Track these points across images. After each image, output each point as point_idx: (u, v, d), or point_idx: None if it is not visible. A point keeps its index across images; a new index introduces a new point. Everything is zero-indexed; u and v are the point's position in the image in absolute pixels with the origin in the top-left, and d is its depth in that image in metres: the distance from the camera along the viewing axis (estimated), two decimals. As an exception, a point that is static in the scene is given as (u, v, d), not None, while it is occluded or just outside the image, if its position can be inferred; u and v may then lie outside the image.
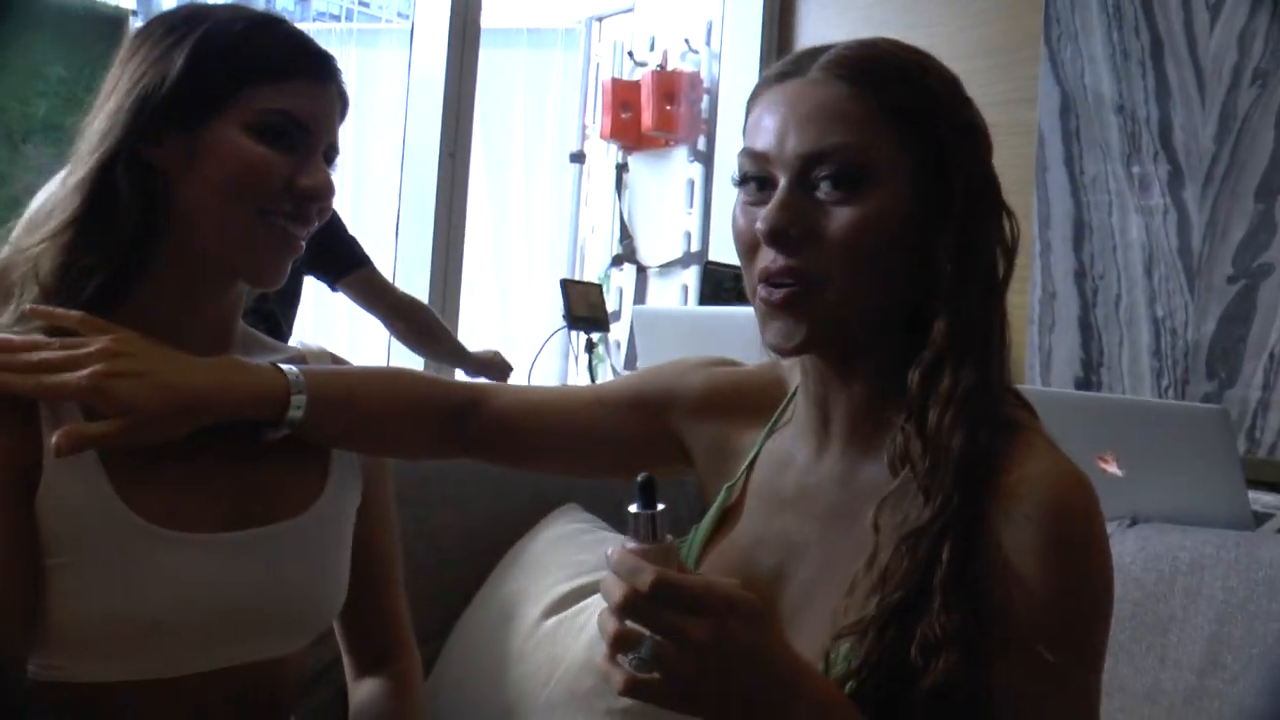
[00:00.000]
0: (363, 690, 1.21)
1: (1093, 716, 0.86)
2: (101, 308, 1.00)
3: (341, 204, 3.18)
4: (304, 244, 1.04)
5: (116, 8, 2.97)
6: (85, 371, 0.91)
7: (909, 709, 0.82)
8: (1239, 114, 2.57)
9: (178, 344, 1.01)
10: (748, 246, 0.91)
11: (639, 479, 0.77)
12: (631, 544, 0.76)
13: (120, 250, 1.00)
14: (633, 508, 0.77)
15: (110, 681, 0.98)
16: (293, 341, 1.22)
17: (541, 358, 3.14)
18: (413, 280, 2.96)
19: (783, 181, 0.88)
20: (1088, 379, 2.78)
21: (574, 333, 2.98)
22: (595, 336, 3.03)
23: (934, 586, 0.82)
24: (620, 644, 0.74)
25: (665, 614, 0.73)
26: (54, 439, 0.89)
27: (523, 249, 4.06)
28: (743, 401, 1.07)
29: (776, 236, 0.87)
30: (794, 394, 1.03)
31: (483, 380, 2.34)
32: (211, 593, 1.00)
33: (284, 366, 1.02)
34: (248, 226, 1.00)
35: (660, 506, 0.77)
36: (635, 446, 1.10)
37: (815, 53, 0.91)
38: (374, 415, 1.09)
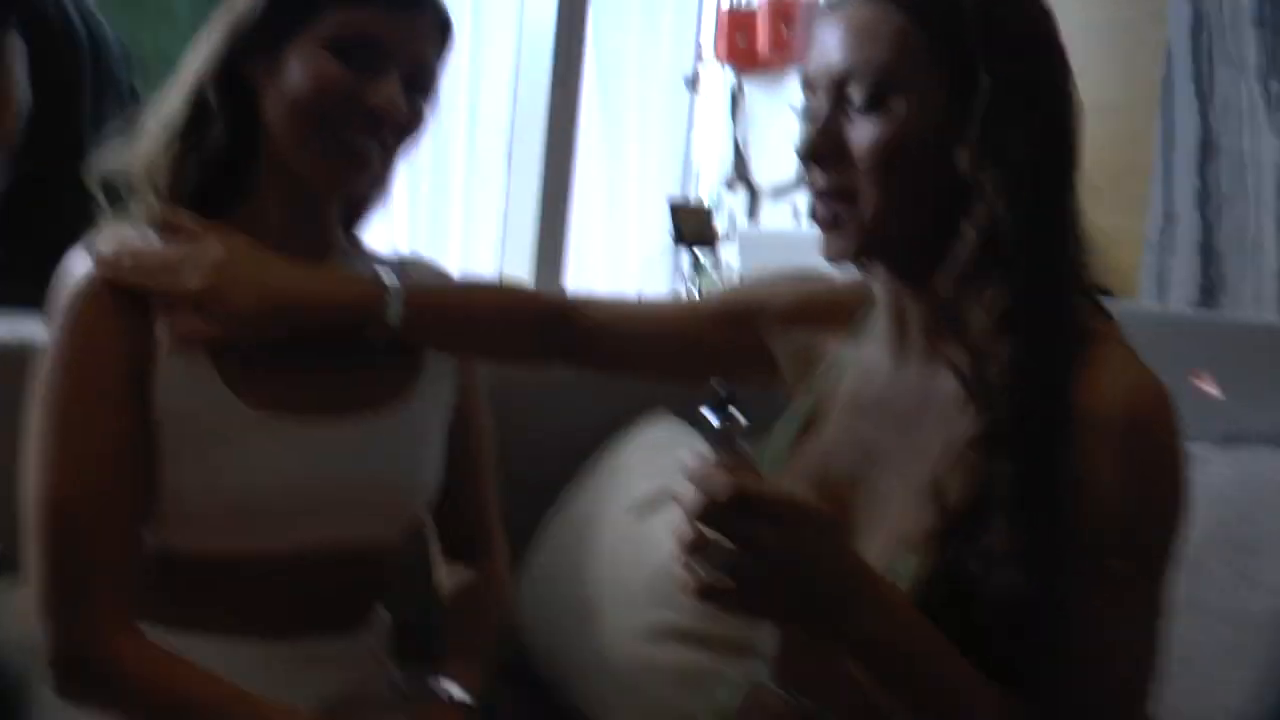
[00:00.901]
0: (454, 577, 1.28)
1: (1158, 629, 0.86)
2: (214, 213, 1.08)
3: (455, 129, 3.23)
4: (380, 163, 1.09)
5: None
6: (199, 275, 0.98)
7: (974, 621, 0.84)
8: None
9: (283, 249, 1.08)
10: (804, 167, 0.93)
11: (719, 391, 0.81)
12: (710, 455, 0.80)
13: (218, 159, 1.08)
14: (712, 419, 0.81)
15: (216, 553, 1.07)
16: (396, 253, 1.27)
17: (651, 279, 3.17)
18: (521, 204, 2.99)
19: (819, 102, 0.91)
20: (1206, 306, 2.69)
21: (683, 253, 3.00)
22: (703, 257, 3.04)
23: (995, 500, 0.83)
24: (695, 550, 0.78)
25: (740, 522, 0.76)
26: (169, 331, 0.97)
27: (636, 171, 4.07)
28: (830, 311, 1.09)
29: (811, 156, 0.91)
30: (873, 307, 1.04)
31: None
32: (310, 475, 1.08)
33: (384, 277, 1.08)
34: (315, 139, 1.06)
35: (740, 419, 0.81)
36: (726, 356, 1.13)
37: None
38: (470, 325, 1.15)
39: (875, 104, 0.88)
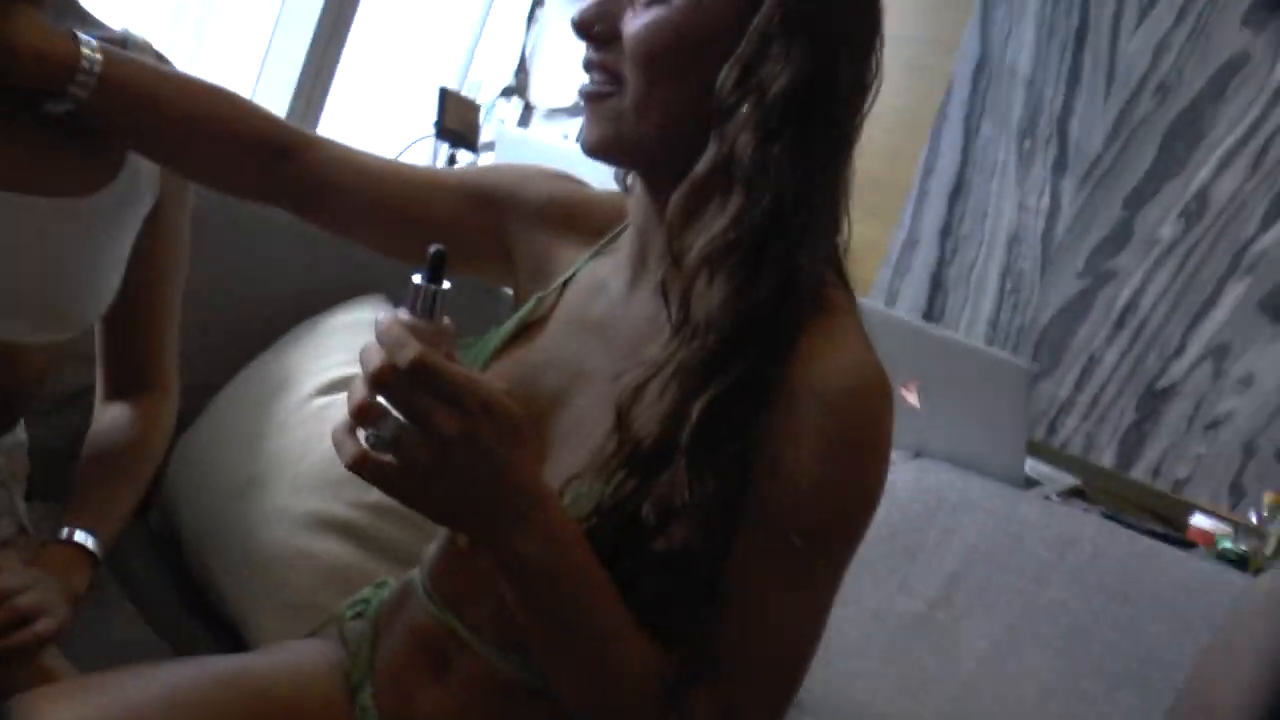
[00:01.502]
0: (106, 414, 1.14)
1: (822, 615, 0.85)
2: None
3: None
4: None
5: None
6: None
7: (639, 561, 0.80)
8: (1133, 121, 2.61)
9: None
10: (578, 36, 0.88)
11: (432, 249, 0.71)
12: (405, 316, 0.71)
13: None
14: (416, 278, 0.71)
15: None
16: (117, 27, 1.11)
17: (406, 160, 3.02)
18: (286, 54, 2.78)
19: None
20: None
21: (441, 145, 2.87)
22: (460, 156, 2.92)
23: (679, 445, 0.79)
24: (362, 416, 0.70)
25: (417, 396, 0.68)
26: None
27: (414, 54, 3.88)
28: (579, 220, 1.02)
29: (583, 29, 0.86)
30: (620, 230, 0.99)
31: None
32: None
33: (82, 36, 0.93)
34: None
35: (446, 284, 0.72)
36: (462, 237, 1.04)
37: None
38: (177, 122, 1.00)
39: None
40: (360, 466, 0.70)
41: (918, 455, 1.44)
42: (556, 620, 0.79)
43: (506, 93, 3.80)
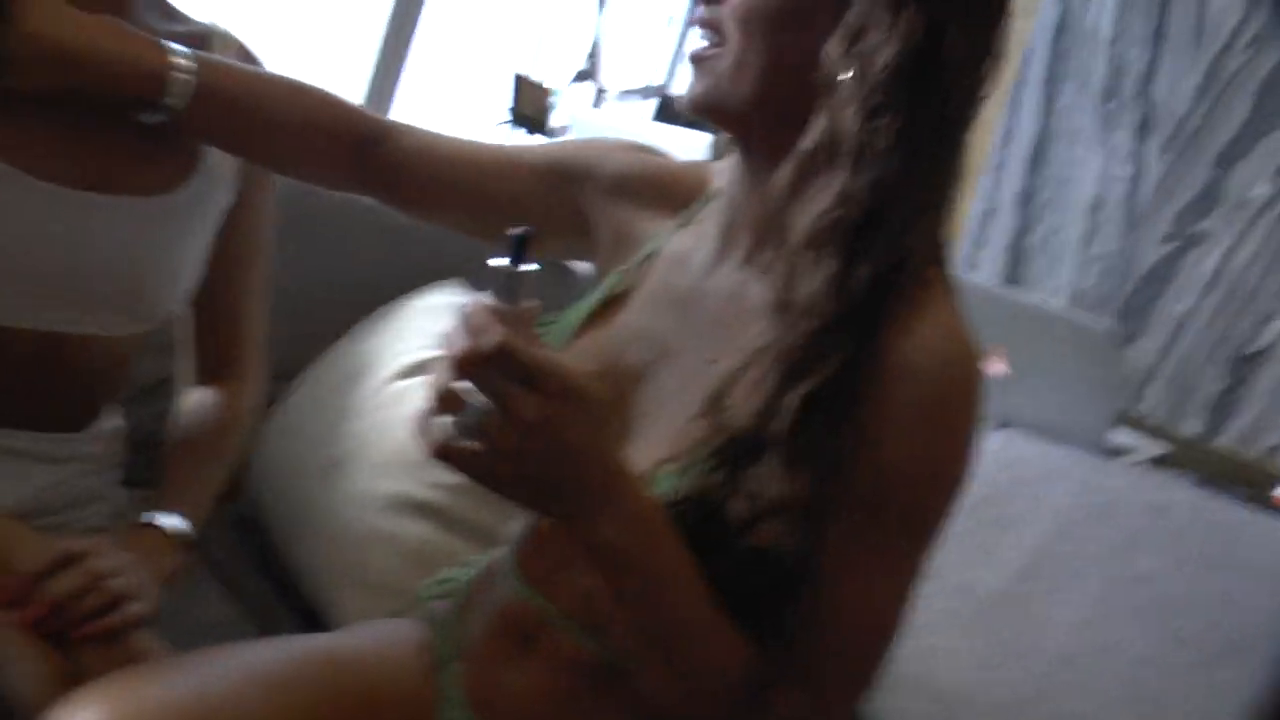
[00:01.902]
0: (193, 399, 1.17)
1: (908, 598, 0.84)
2: None
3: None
4: None
5: None
6: None
7: (725, 551, 0.79)
8: (1224, 77, 2.53)
9: None
10: None
11: (516, 231, 0.71)
12: (489, 300, 0.71)
13: None
14: (498, 261, 0.71)
15: None
16: (207, 23, 1.14)
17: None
18: (359, 45, 2.81)
19: None
20: (1003, 300, 2.78)
21: (516, 131, 2.89)
22: (534, 140, 2.94)
23: (774, 434, 0.78)
24: (446, 402, 0.70)
25: (500, 381, 0.68)
26: None
27: (485, 38, 3.91)
28: (659, 191, 1.01)
29: None
30: (711, 197, 0.98)
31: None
32: (50, 245, 0.96)
33: (173, 45, 0.94)
34: None
35: (531, 266, 0.71)
36: (542, 213, 1.03)
37: None
38: (267, 123, 1.01)
39: None
40: (443, 454, 0.71)
41: (1004, 425, 1.42)
42: (640, 604, 0.78)
43: (579, 77, 3.81)
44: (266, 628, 1.27)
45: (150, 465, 1.15)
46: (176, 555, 1.04)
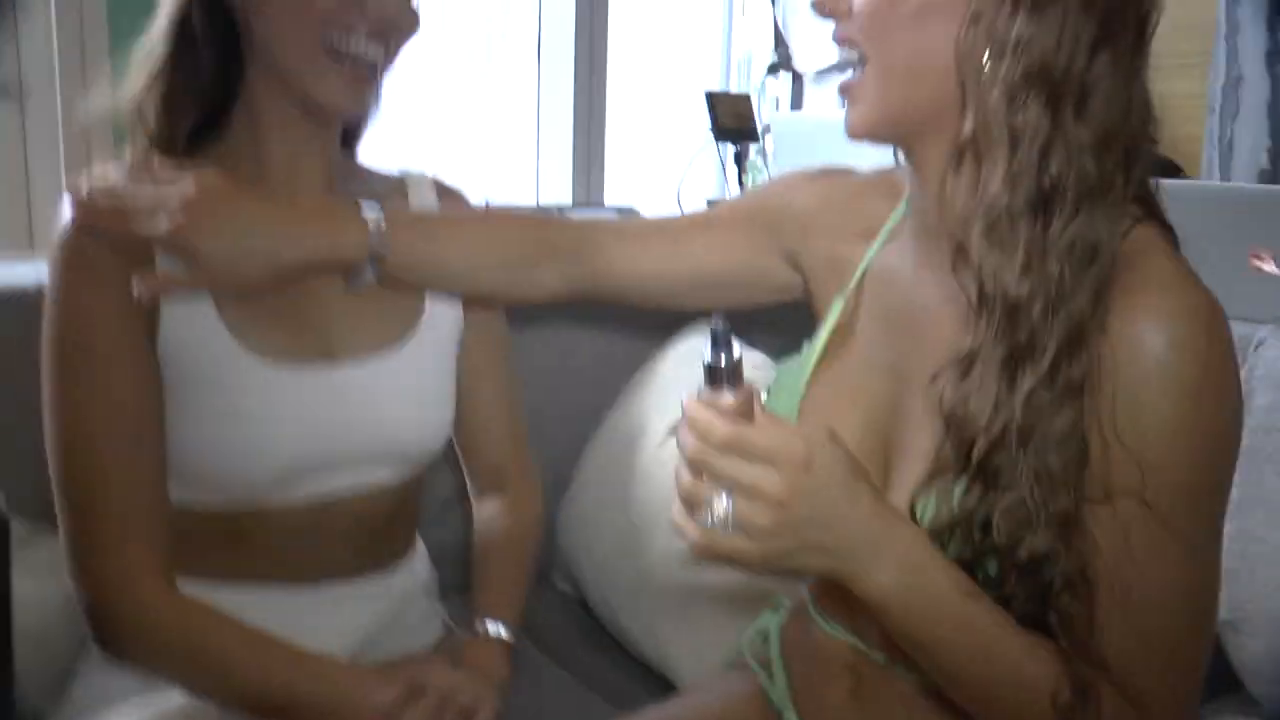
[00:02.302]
0: (482, 511, 1.26)
1: (1209, 576, 0.80)
2: (203, 146, 1.04)
3: (488, 29, 3.13)
4: (382, 72, 1.03)
5: None
6: (166, 220, 0.93)
7: (1003, 566, 0.78)
8: None
9: (284, 184, 1.04)
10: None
11: (711, 325, 0.74)
12: (706, 394, 0.73)
13: (207, 90, 1.03)
14: (705, 356, 0.74)
15: (226, 506, 1.04)
16: (397, 168, 1.22)
17: (695, 172, 3.08)
18: (555, 101, 2.92)
19: None
20: (1275, 173, 2.55)
21: (724, 146, 2.90)
22: (745, 148, 2.94)
23: (1011, 438, 0.76)
24: (693, 501, 0.73)
25: (739, 469, 0.71)
26: (134, 287, 0.93)
27: (676, 62, 3.95)
28: (854, 214, 1.01)
29: (820, 8, 0.86)
30: (905, 207, 0.97)
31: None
32: (312, 423, 1.04)
33: (368, 215, 0.99)
34: (315, 55, 0.99)
35: (736, 353, 0.74)
36: (752, 269, 1.06)
37: None
38: (463, 265, 1.06)
39: None
40: (705, 551, 0.73)
41: (1294, 326, 1.31)
42: (934, 639, 0.78)
43: (772, 69, 3.78)
44: (611, 698, 1.33)
45: (461, 574, 1.24)
46: (505, 659, 1.12)
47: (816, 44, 3.67)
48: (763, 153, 3.48)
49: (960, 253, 0.80)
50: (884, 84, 0.83)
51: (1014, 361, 0.77)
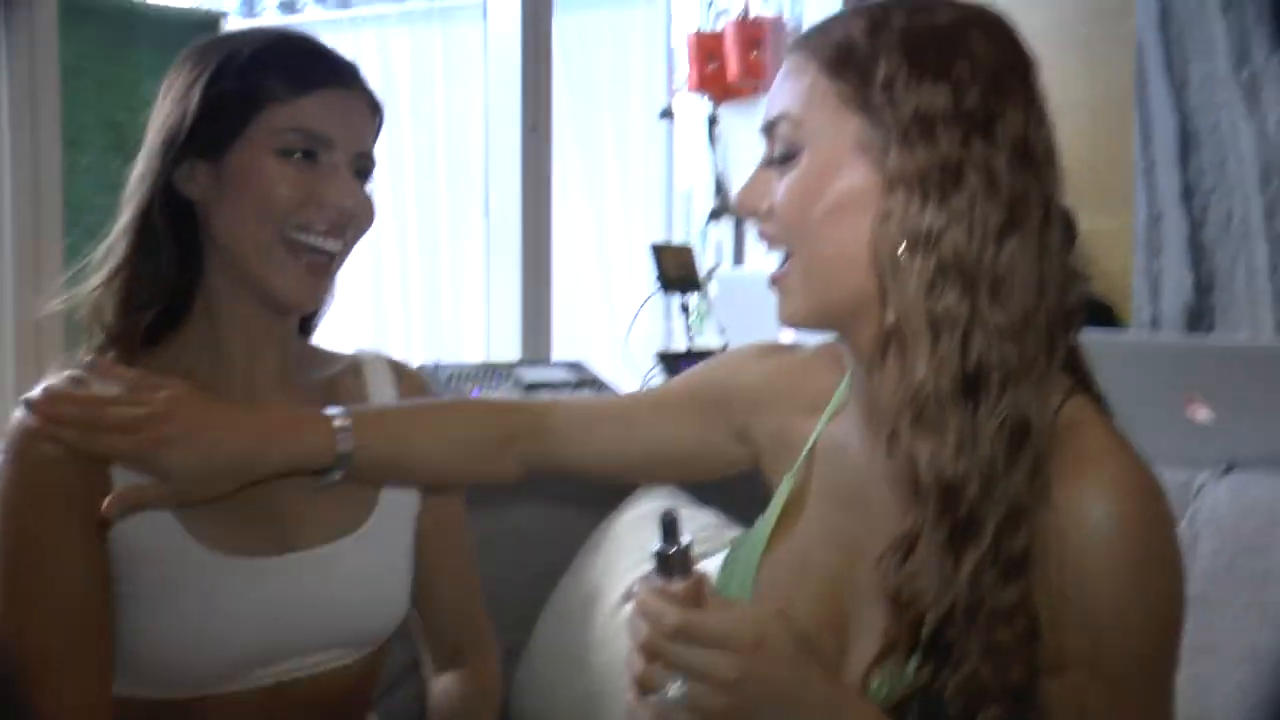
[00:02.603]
0: (439, 685, 1.25)
1: None
2: (161, 339, 1.05)
3: (436, 188, 3.20)
4: (336, 263, 1.06)
5: (208, 13, 3.05)
6: (133, 438, 0.93)
7: None
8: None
9: (241, 367, 1.06)
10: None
11: (661, 517, 0.76)
12: (657, 582, 0.75)
13: (168, 286, 1.05)
14: (655, 545, 0.76)
15: (178, 700, 1.03)
16: (348, 348, 1.24)
17: (643, 324, 3.12)
18: (502, 260, 2.96)
19: (764, 154, 0.88)
20: (1200, 305, 2.65)
21: (670, 298, 2.95)
22: (690, 299, 2.99)
23: (959, 614, 0.77)
24: (646, 685, 0.74)
25: (691, 654, 0.72)
26: (105, 503, 0.93)
27: (619, 213, 4.05)
28: (802, 388, 1.03)
29: (742, 210, 0.88)
30: (849, 379, 1.00)
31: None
32: (267, 614, 1.04)
33: (334, 419, 0.99)
34: (273, 248, 1.01)
35: (685, 540, 0.76)
36: (699, 448, 1.08)
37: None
38: (425, 458, 1.07)
39: (786, 154, 0.85)
40: None
41: (1229, 470, 1.35)
42: None
43: (714, 215, 3.87)
44: None
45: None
46: None
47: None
48: (705, 299, 3.55)
49: (894, 438, 0.82)
50: (807, 279, 0.86)
51: (956, 540, 0.78)
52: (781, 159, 0.86)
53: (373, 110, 1.08)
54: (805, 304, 0.87)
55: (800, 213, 0.85)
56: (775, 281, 0.89)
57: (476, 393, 1.96)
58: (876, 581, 0.87)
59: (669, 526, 0.75)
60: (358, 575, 1.09)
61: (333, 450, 0.99)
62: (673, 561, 0.75)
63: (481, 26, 3.09)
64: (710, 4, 3.93)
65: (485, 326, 2.98)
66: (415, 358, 2.73)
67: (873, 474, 0.91)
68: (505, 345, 2.83)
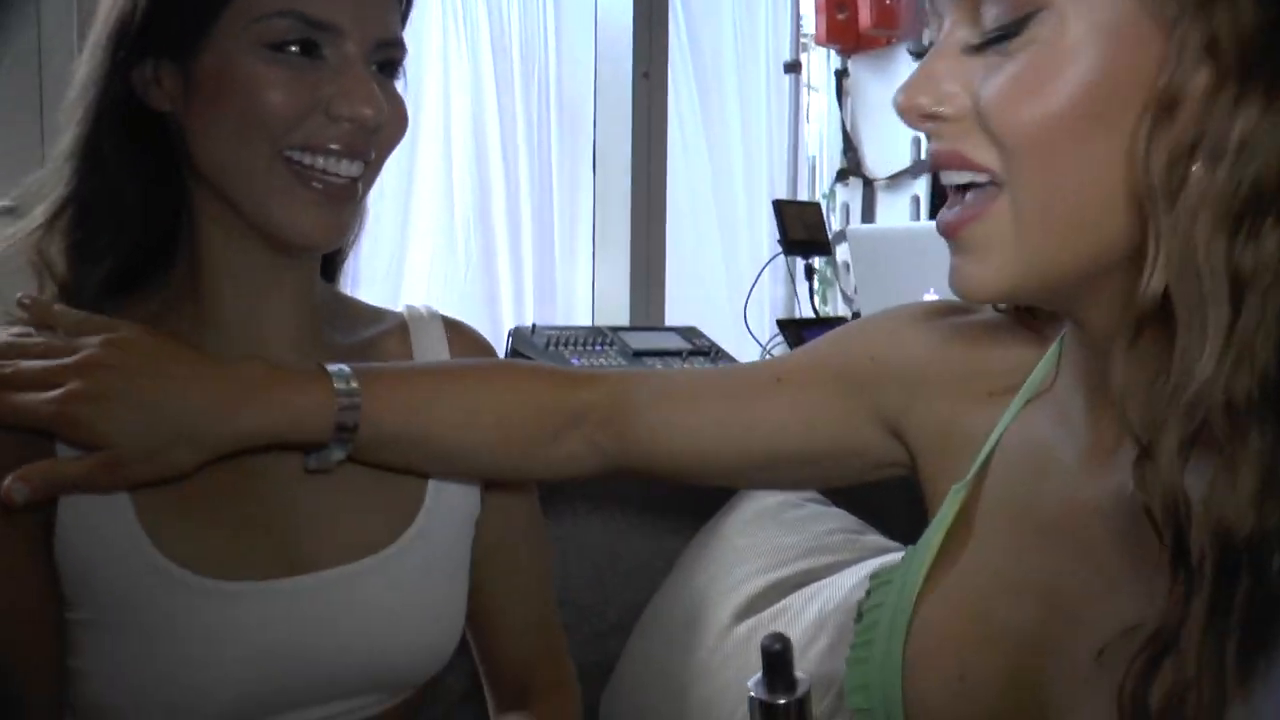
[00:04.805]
0: (512, 722, 1.00)
1: None
2: (140, 294, 0.83)
3: (543, 140, 3.00)
4: (361, 187, 0.82)
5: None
6: (54, 393, 0.71)
7: None
8: None
9: (240, 332, 0.83)
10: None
11: (765, 644, 0.56)
12: None
13: (133, 223, 0.81)
14: (758, 689, 0.57)
15: None
16: (396, 304, 1.00)
17: (761, 287, 2.89)
18: (612, 215, 2.75)
19: (943, 32, 0.60)
20: None
21: (794, 258, 2.72)
22: (817, 261, 2.74)
23: None
24: None
25: None
26: (5, 483, 0.70)
27: (741, 171, 3.78)
28: (982, 366, 0.76)
29: (912, 109, 0.60)
30: (1056, 352, 0.72)
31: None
32: (268, 653, 0.80)
33: (334, 379, 0.78)
34: (272, 172, 0.78)
35: (801, 685, 0.56)
36: (837, 441, 0.82)
37: None
38: (459, 438, 0.83)
39: (1005, 31, 0.57)
40: None
41: None
42: None
43: (841, 176, 3.61)
44: None
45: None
46: None
47: (889, 148, 3.48)
48: (832, 265, 3.29)
49: (1146, 459, 0.55)
50: (1026, 224, 0.59)
51: (1239, 630, 0.52)
52: (995, 36, 0.58)
53: None
54: (1016, 265, 0.60)
55: (1034, 117, 0.57)
56: (956, 230, 0.61)
57: (576, 361, 1.72)
58: (1095, 673, 0.60)
59: (775, 661, 0.55)
60: (389, 605, 0.85)
61: (331, 419, 0.77)
62: (782, 715, 0.55)
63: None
64: (844, -54, 3.64)
65: (591, 288, 2.77)
66: (512, 322, 2.54)
67: (1093, 503, 0.64)
68: (615, 309, 2.64)
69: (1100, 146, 0.56)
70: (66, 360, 0.72)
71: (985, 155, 0.59)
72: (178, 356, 0.76)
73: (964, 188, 0.61)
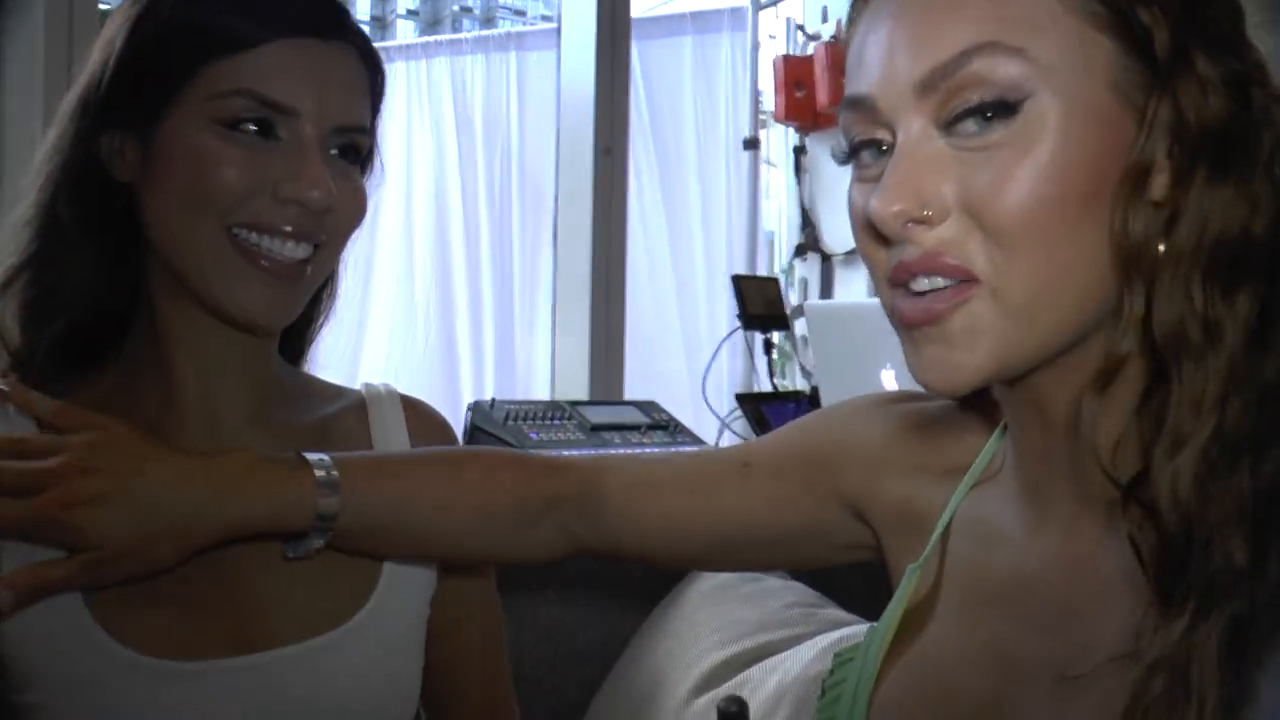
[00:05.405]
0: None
1: None
2: (99, 364, 0.82)
3: (504, 214, 3.02)
4: (317, 269, 0.82)
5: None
6: (40, 498, 0.70)
7: None
8: None
9: (195, 406, 0.82)
10: (870, 239, 0.62)
11: (721, 706, 0.60)
12: None
13: (88, 292, 0.81)
14: None
15: None
16: (355, 378, 1.00)
17: (720, 361, 2.91)
18: (572, 289, 2.76)
19: (901, 132, 0.60)
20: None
21: (752, 333, 2.73)
22: (775, 335, 2.76)
23: None
24: None
25: None
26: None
27: (700, 246, 3.83)
28: (932, 451, 0.78)
29: (901, 220, 0.59)
30: (999, 438, 0.74)
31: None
32: None
33: (315, 468, 0.77)
34: (219, 249, 0.77)
35: None
36: (802, 526, 0.83)
37: None
38: (436, 526, 0.83)
39: (991, 110, 0.57)
40: None
41: None
42: None
43: (799, 251, 3.65)
44: None
45: None
46: None
47: (843, 225, 3.54)
48: (790, 339, 3.32)
49: (1129, 513, 0.57)
50: (1019, 314, 0.59)
51: (1239, 653, 0.53)
52: (975, 129, 0.58)
53: (366, 67, 0.83)
54: (1004, 348, 0.59)
55: (1030, 203, 0.57)
56: (938, 319, 0.60)
57: (535, 435, 1.72)
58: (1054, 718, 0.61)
59: None
60: (348, 679, 0.83)
61: (312, 509, 0.76)
62: None
63: (556, 51, 2.92)
64: (800, 28, 3.73)
65: (550, 362, 2.78)
66: (471, 396, 2.53)
67: (1040, 569, 0.66)
68: (574, 383, 2.63)
69: (1088, 224, 0.58)
70: (50, 463, 0.71)
71: (969, 254, 0.58)
72: (162, 455, 0.75)
73: (925, 273, 0.60)
